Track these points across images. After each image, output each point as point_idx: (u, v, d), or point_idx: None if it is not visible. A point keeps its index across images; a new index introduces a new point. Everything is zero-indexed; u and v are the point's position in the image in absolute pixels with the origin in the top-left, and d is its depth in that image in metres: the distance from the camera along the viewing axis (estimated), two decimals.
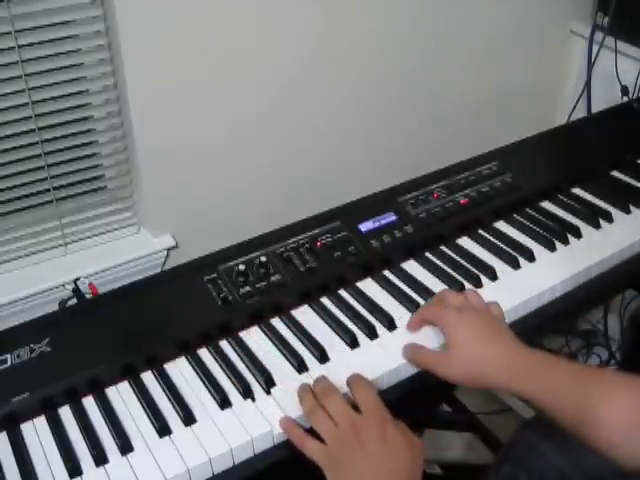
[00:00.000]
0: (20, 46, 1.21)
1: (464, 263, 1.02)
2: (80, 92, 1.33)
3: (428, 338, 0.88)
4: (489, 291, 0.97)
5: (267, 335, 0.90)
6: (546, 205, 1.16)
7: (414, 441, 0.76)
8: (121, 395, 0.83)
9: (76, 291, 1.04)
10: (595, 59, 1.83)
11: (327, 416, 0.75)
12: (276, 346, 0.88)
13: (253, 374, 0.85)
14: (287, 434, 0.77)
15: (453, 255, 1.04)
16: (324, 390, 0.78)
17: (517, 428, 0.96)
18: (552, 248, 1.05)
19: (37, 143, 1.30)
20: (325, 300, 0.96)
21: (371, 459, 0.72)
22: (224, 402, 0.80)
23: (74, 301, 1.01)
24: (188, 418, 0.79)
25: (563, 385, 0.77)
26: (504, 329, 0.85)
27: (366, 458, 0.72)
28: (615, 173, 1.25)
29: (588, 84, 1.86)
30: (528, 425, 0.95)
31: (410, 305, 0.94)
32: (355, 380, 0.80)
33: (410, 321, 0.91)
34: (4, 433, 0.78)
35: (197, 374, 0.85)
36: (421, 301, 0.95)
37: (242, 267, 0.95)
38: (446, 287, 0.97)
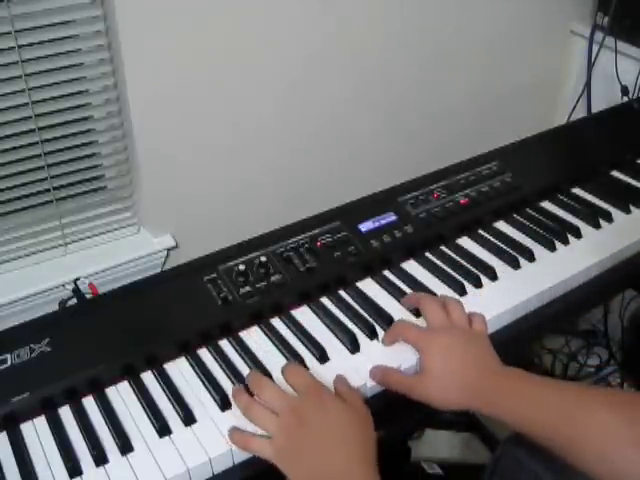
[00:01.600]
0: (20, 46, 1.21)
1: (464, 263, 1.02)
2: (80, 92, 1.33)
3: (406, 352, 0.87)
4: (489, 291, 0.97)
5: (267, 335, 0.90)
6: (546, 205, 1.16)
7: (358, 409, 0.76)
8: (121, 395, 0.83)
9: (76, 291, 1.04)
10: (595, 59, 1.83)
11: (265, 408, 0.75)
12: (276, 346, 0.88)
13: None
14: (235, 444, 0.75)
15: (453, 255, 1.04)
16: (256, 383, 0.79)
17: (503, 441, 0.96)
18: (552, 248, 1.05)
19: (37, 143, 1.30)
20: (325, 300, 0.96)
21: (317, 436, 0.72)
22: (224, 402, 0.80)
23: (74, 301, 1.01)
24: (188, 418, 0.79)
25: (542, 407, 0.75)
26: (483, 348, 0.83)
27: (312, 437, 0.72)
28: (615, 173, 1.25)
29: (588, 84, 1.86)
30: (512, 439, 0.95)
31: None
32: (285, 367, 0.81)
33: (385, 337, 0.88)
34: (4, 433, 0.78)
35: (197, 374, 0.85)
36: None
37: (242, 267, 0.95)
38: (435, 294, 0.96)
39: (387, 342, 0.88)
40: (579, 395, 0.76)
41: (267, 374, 0.83)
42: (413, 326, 0.87)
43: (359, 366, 0.85)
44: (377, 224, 1.05)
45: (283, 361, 0.86)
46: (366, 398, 0.83)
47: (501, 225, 1.11)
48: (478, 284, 0.98)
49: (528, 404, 0.76)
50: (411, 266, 1.02)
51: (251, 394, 0.79)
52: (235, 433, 0.76)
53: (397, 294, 0.96)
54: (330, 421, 0.74)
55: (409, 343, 0.85)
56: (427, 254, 1.04)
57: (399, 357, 0.86)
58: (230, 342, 0.90)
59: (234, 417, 0.79)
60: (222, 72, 1.41)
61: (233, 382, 0.83)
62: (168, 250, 1.53)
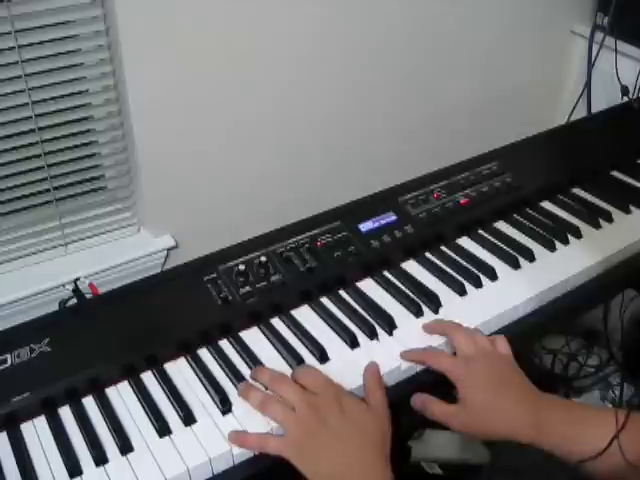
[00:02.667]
0: (20, 46, 1.21)
1: (464, 263, 1.02)
2: (80, 92, 1.33)
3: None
4: (489, 291, 0.97)
5: (267, 335, 0.90)
6: (546, 205, 1.16)
7: (377, 409, 0.77)
8: (121, 395, 0.83)
9: (76, 291, 1.04)
10: (595, 59, 1.83)
11: (282, 404, 0.76)
12: (276, 346, 0.88)
13: None
14: (243, 446, 0.75)
15: (453, 255, 1.04)
16: (275, 379, 0.79)
17: (494, 451, 0.97)
18: (552, 248, 1.05)
19: (37, 143, 1.30)
20: (325, 300, 0.96)
21: (335, 434, 0.73)
22: (224, 402, 0.80)
23: (74, 301, 1.01)
24: (188, 418, 0.79)
25: (576, 434, 0.78)
26: (514, 374, 0.83)
27: (330, 434, 0.73)
28: (615, 173, 1.25)
29: (588, 84, 1.86)
30: (503, 449, 0.96)
31: (410, 305, 0.94)
32: (298, 369, 0.81)
33: (410, 355, 0.87)
34: (4, 433, 0.78)
35: (197, 374, 0.85)
36: (421, 301, 0.94)
37: (242, 267, 0.95)
38: (435, 293, 0.97)
39: (412, 361, 0.87)
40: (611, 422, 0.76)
41: None
42: (447, 355, 0.86)
43: (359, 366, 0.84)
44: (377, 224, 1.05)
45: (283, 361, 0.86)
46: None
47: (501, 225, 1.11)
48: (478, 284, 0.98)
49: (568, 433, 0.77)
50: (411, 266, 1.02)
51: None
52: (242, 436, 0.76)
53: (397, 294, 0.96)
54: (347, 419, 0.74)
55: (445, 372, 0.84)
56: (427, 254, 1.04)
57: (399, 357, 0.86)
58: (230, 342, 0.90)
59: (234, 417, 0.79)
60: (222, 72, 1.41)
61: (233, 382, 0.83)
62: (168, 250, 1.53)
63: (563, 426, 0.78)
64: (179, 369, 0.86)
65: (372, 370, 0.82)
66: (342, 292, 0.98)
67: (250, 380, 0.83)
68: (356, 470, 0.72)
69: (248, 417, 0.79)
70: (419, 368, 0.87)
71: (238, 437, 0.76)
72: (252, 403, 0.78)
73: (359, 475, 0.72)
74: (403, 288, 0.97)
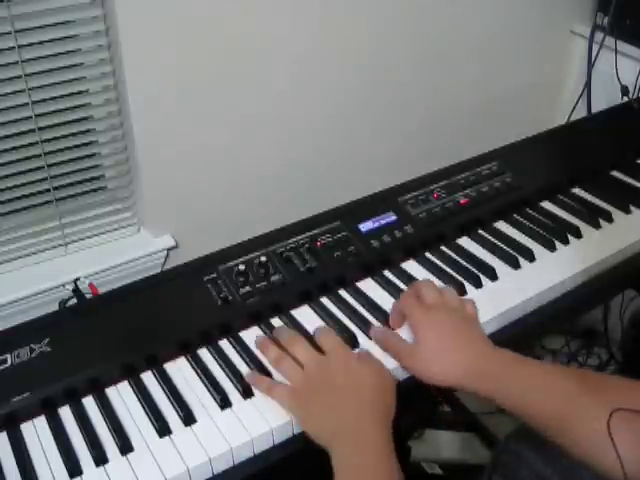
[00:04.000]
0: (20, 46, 1.21)
1: (464, 263, 1.02)
2: (80, 92, 1.33)
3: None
4: (489, 291, 0.97)
5: (267, 335, 0.90)
6: (546, 205, 1.16)
7: (382, 372, 0.80)
8: (121, 395, 0.83)
9: (76, 291, 1.04)
10: (595, 59, 1.83)
11: (293, 362, 0.81)
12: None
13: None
14: (255, 386, 0.81)
15: (453, 255, 1.04)
16: (290, 339, 0.84)
17: (504, 438, 0.97)
18: (552, 248, 1.05)
19: (37, 143, 1.30)
20: (325, 300, 0.96)
21: (338, 392, 0.76)
22: (224, 402, 0.80)
23: (74, 301, 1.01)
24: (188, 418, 0.79)
25: (536, 386, 0.77)
26: (474, 329, 0.85)
27: (333, 392, 0.76)
28: (615, 173, 1.25)
29: (588, 84, 1.86)
30: (513, 435, 0.96)
31: None
32: (318, 329, 0.86)
33: (390, 313, 0.91)
34: (4, 433, 0.78)
35: (197, 374, 0.85)
36: None
37: (242, 267, 0.95)
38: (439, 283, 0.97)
39: (394, 320, 0.90)
40: (580, 377, 0.77)
41: (267, 374, 0.83)
42: (414, 299, 0.88)
43: None
44: (377, 224, 1.05)
45: None
46: None
47: (501, 225, 1.11)
48: (478, 284, 0.98)
49: (519, 386, 0.77)
50: (411, 266, 1.02)
51: None
52: (258, 377, 0.81)
53: (397, 294, 0.96)
54: (352, 381, 0.77)
55: (406, 313, 0.87)
56: (427, 254, 1.04)
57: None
58: (230, 342, 0.90)
59: (234, 416, 0.79)
60: (222, 72, 1.41)
61: (233, 382, 0.83)
62: (168, 250, 1.53)
63: (517, 383, 0.77)
64: (179, 369, 0.86)
65: (381, 336, 0.86)
66: (342, 292, 0.98)
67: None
68: (348, 430, 0.74)
69: (248, 417, 0.79)
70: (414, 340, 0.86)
71: (254, 377, 0.81)
72: (268, 357, 0.83)
73: (356, 436, 0.73)
74: (403, 288, 0.97)
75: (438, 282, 0.98)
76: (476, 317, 0.88)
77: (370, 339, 0.89)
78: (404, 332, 0.88)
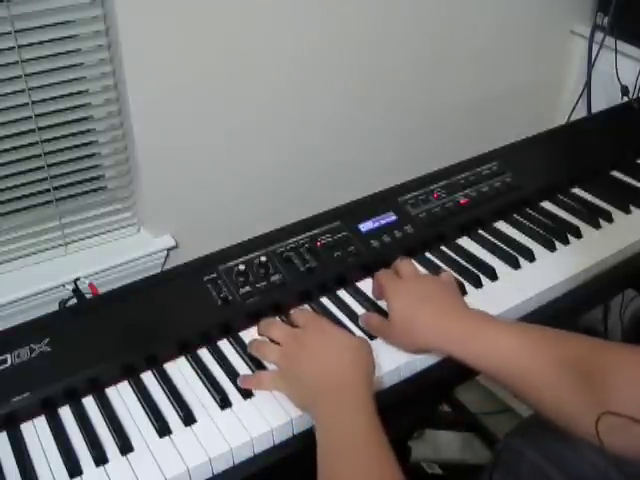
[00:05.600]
0: (20, 46, 1.21)
1: (464, 263, 1.02)
2: (80, 92, 1.33)
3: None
4: (489, 291, 0.97)
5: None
6: (546, 205, 1.16)
7: (358, 338, 0.82)
8: (121, 395, 0.83)
9: (76, 291, 1.04)
10: (595, 59, 1.83)
11: (272, 344, 0.83)
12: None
13: (252, 372, 0.84)
14: (246, 387, 0.81)
15: (453, 255, 1.04)
16: (265, 324, 0.86)
17: (504, 435, 0.97)
18: (552, 248, 1.05)
19: (37, 143, 1.30)
20: (325, 300, 0.96)
21: (317, 356, 0.78)
22: (224, 402, 0.80)
23: (74, 301, 1.01)
24: (188, 418, 0.79)
25: (498, 347, 0.78)
26: (450, 293, 0.87)
27: (312, 357, 0.78)
28: (615, 173, 1.25)
29: (588, 84, 1.86)
30: (513, 432, 0.96)
31: None
32: (295, 310, 0.88)
33: (373, 289, 0.94)
34: (4, 433, 0.78)
35: (197, 374, 0.85)
36: None
37: (242, 267, 0.95)
38: None
39: (376, 293, 0.93)
40: (554, 339, 0.79)
41: None
42: (390, 274, 0.91)
43: None
44: (377, 224, 1.05)
45: None
46: None
47: (501, 225, 1.11)
48: (478, 284, 0.98)
49: (491, 345, 0.78)
50: None
51: None
52: (246, 377, 0.82)
53: None
54: (328, 344, 0.79)
55: (381, 287, 0.89)
56: (427, 254, 1.04)
57: (399, 358, 0.86)
58: (230, 342, 0.90)
59: (234, 416, 0.79)
60: (222, 72, 1.41)
61: (233, 382, 0.83)
62: (168, 250, 1.53)
63: (490, 342, 0.78)
64: (179, 369, 0.86)
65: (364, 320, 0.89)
66: (342, 292, 0.98)
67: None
68: (333, 389, 0.75)
69: (248, 417, 0.79)
70: (419, 368, 0.87)
71: (243, 379, 0.82)
72: (251, 351, 0.85)
73: (337, 391, 0.74)
74: None
75: None
76: (453, 283, 0.90)
77: (371, 339, 0.89)
78: None
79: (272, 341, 0.84)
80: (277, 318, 0.89)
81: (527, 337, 0.78)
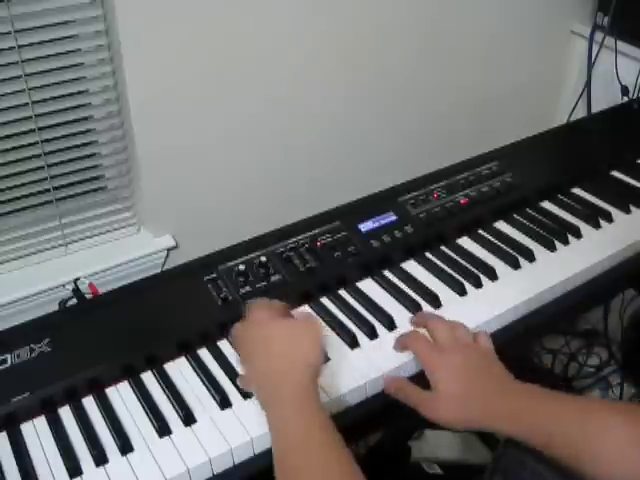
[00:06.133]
0: (20, 46, 1.21)
1: (464, 263, 1.02)
2: (80, 92, 1.33)
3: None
4: (489, 291, 0.97)
5: None
6: (546, 205, 1.16)
7: (299, 324, 0.81)
8: (121, 395, 0.83)
9: (76, 291, 1.04)
10: (595, 59, 1.83)
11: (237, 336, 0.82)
12: None
13: None
14: (241, 385, 0.81)
15: (453, 255, 1.04)
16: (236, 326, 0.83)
17: (502, 441, 0.96)
18: (552, 248, 1.05)
19: (37, 143, 1.30)
20: (325, 300, 0.96)
21: (250, 347, 0.78)
22: (224, 402, 0.80)
23: (74, 301, 1.01)
24: (188, 418, 0.79)
25: (554, 423, 0.74)
26: (492, 366, 0.82)
27: (248, 348, 0.79)
28: (615, 173, 1.25)
29: (588, 84, 1.86)
30: (504, 450, 0.95)
31: (410, 305, 0.94)
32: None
33: (397, 342, 0.88)
34: (4, 433, 0.78)
35: (197, 374, 0.85)
36: (421, 301, 0.95)
37: (242, 267, 0.95)
38: (436, 294, 0.97)
39: (398, 349, 0.88)
40: (594, 408, 0.75)
41: None
42: (426, 340, 0.85)
43: (359, 365, 0.85)
44: (377, 224, 1.05)
45: None
46: (366, 398, 0.83)
47: (501, 225, 1.11)
48: (478, 284, 0.98)
49: (540, 422, 0.75)
50: (411, 266, 1.02)
51: None
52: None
53: (397, 294, 0.96)
54: (260, 333, 0.78)
55: (418, 357, 0.83)
56: (427, 254, 1.04)
57: (399, 357, 0.86)
58: (230, 342, 0.89)
59: (234, 416, 0.79)
60: (222, 72, 1.41)
61: (233, 382, 0.83)
62: (168, 250, 1.53)
63: (545, 418, 0.75)
64: (179, 369, 0.86)
65: (396, 387, 0.84)
66: (342, 292, 0.98)
67: None
68: (262, 384, 0.75)
69: (248, 417, 0.79)
70: (418, 369, 0.87)
71: (240, 379, 0.81)
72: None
73: (264, 389, 0.74)
74: (403, 288, 0.97)
75: (438, 282, 0.99)
76: (491, 350, 0.84)
77: (370, 339, 0.89)
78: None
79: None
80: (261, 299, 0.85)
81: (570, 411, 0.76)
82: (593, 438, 0.71)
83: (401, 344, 0.87)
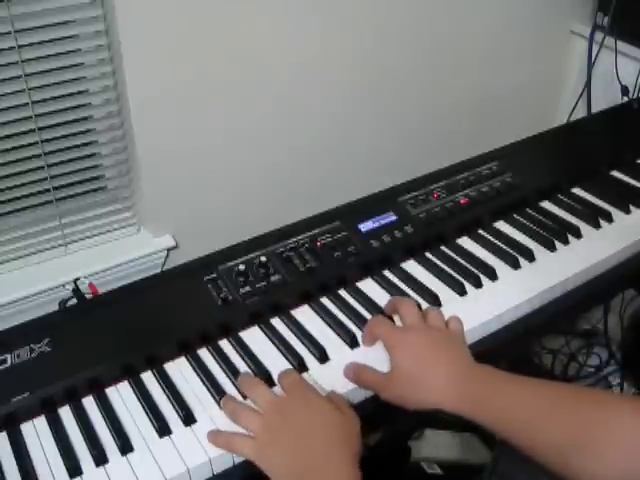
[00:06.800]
0: (20, 46, 1.21)
1: (464, 263, 1.02)
2: (80, 92, 1.33)
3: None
4: (489, 291, 0.97)
5: (267, 335, 0.90)
6: (546, 205, 1.16)
7: (344, 411, 0.75)
8: (121, 395, 0.83)
9: (76, 291, 1.04)
10: (595, 59, 1.83)
11: (251, 409, 0.76)
12: (276, 346, 0.88)
13: (253, 374, 0.84)
14: (216, 446, 0.75)
15: (453, 255, 1.04)
16: (246, 382, 0.79)
17: (499, 442, 0.95)
18: (552, 248, 1.05)
19: (37, 143, 1.30)
20: (325, 300, 0.96)
21: (294, 430, 0.72)
22: None
23: (74, 301, 1.01)
24: (188, 418, 0.79)
25: (517, 404, 0.74)
26: (455, 348, 0.81)
27: (293, 432, 0.72)
28: (615, 173, 1.25)
29: (588, 84, 1.86)
30: (504, 449, 0.95)
31: None
32: (281, 372, 0.80)
33: (363, 335, 0.88)
34: (4, 433, 0.78)
35: (197, 374, 0.85)
36: (421, 301, 0.95)
37: (242, 267, 0.95)
38: (436, 294, 0.97)
39: (366, 341, 0.87)
40: (593, 398, 0.74)
41: (267, 374, 0.83)
42: (387, 323, 0.86)
43: None
44: (377, 224, 1.05)
45: (283, 361, 0.86)
46: (365, 398, 0.83)
47: (501, 225, 1.11)
48: (478, 284, 0.98)
49: (507, 405, 0.74)
50: (411, 266, 1.02)
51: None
52: (214, 434, 0.76)
53: (397, 294, 0.96)
54: (312, 418, 0.73)
55: (381, 338, 0.84)
56: (427, 254, 1.04)
57: None
58: (230, 342, 0.90)
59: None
60: (222, 72, 1.41)
61: (233, 382, 0.83)
62: (168, 250, 1.53)
63: (496, 402, 0.74)
64: (179, 369, 0.86)
65: (354, 372, 0.82)
66: (342, 292, 0.98)
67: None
68: (317, 468, 0.70)
69: None
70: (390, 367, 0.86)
71: (210, 436, 0.76)
72: (227, 414, 0.78)
73: (320, 474, 0.70)
74: (403, 288, 0.97)
75: (438, 282, 0.98)
76: (460, 334, 0.85)
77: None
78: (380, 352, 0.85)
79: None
80: (259, 381, 0.80)
81: (541, 397, 0.74)
82: (589, 429, 0.69)
83: (367, 332, 0.87)
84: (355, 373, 0.82)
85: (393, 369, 0.80)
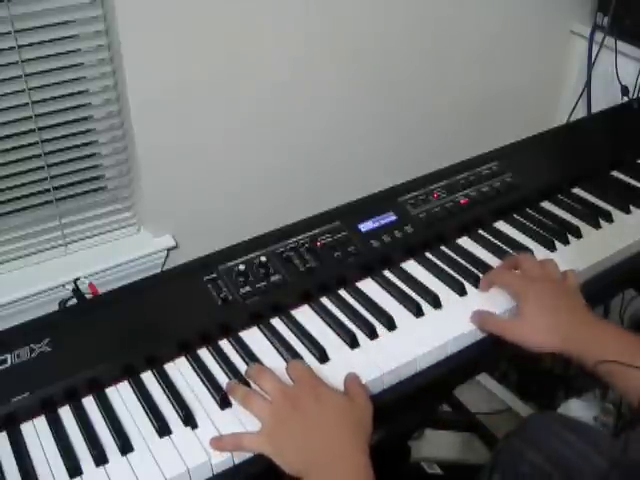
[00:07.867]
0: (20, 46, 1.21)
1: (464, 263, 1.02)
2: (80, 92, 1.33)
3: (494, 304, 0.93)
4: (490, 291, 0.97)
5: (267, 335, 0.90)
6: (546, 205, 1.16)
7: (357, 401, 0.77)
8: (121, 395, 0.83)
9: (76, 291, 1.04)
10: (595, 59, 1.83)
11: (261, 397, 0.77)
12: (276, 346, 0.88)
13: None
14: (221, 450, 0.75)
15: (453, 255, 1.04)
16: (257, 371, 0.81)
17: (504, 435, 0.96)
18: (552, 248, 1.05)
19: (37, 143, 1.30)
20: (325, 300, 0.96)
21: (309, 421, 0.74)
22: (224, 402, 0.80)
23: (74, 301, 1.01)
24: (188, 418, 0.79)
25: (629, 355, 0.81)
26: (575, 299, 0.91)
27: (303, 421, 0.74)
28: (615, 173, 1.25)
29: (588, 84, 1.86)
30: (515, 432, 0.96)
31: (410, 305, 0.94)
32: (290, 362, 0.83)
33: (481, 283, 0.96)
34: (4, 433, 0.78)
35: (197, 374, 0.85)
36: (421, 301, 0.95)
37: (242, 267, 0.95)
38: (436, 294, 0.97)
39: (482, 287, 0.95)
40: None
41: None
42: (513, 274, 0.94)
43: (359, 365, 0.84)
44: (377, 224, 1.05)
45: (283, 361, 0.86)
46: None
47: (501, 225, 1.11)
48: (478, 284, 0.98)
49: (620, 354, 0.81)
50: (411, 266, 1.02)
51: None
52: (217, 440, 0.75)
53: (397, 294, 0.96)
54: (322, 407, 0.75)
55: (506, 288, 0.93)
56: (427, 254, 1.04)
57: (399, 358, 0.86)
58: (230, 342, 0.90)
59: (234, 416, 0.79)
60: (222, 72, 1.41)
61: None
62: (168, 250, 1.53)
63: (613, 354, 0.81)
64: (179, 369, 0.86)
65: (352, 375, 0.82)
66: (342, 292, 0.98)
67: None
68: (328, 458, 0.72)
69: (248, 417, 0.79)
70: (419, 368, 0.87)
71: (213, 443, 0.75)
72: (236, 399, 0.79)
73: (334, 462, 0.72)
74: (403, 288, 0.97)
75: (438, 282, 0.98)
76: (577, 287, 0.93)
77: (370, 339, 0.89)
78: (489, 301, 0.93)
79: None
80: (268, 369, 0.81)
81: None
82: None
83: (486, 282, 0.95)
84: (482, 319, 0.90)
85: (520, 314, 0.89)
